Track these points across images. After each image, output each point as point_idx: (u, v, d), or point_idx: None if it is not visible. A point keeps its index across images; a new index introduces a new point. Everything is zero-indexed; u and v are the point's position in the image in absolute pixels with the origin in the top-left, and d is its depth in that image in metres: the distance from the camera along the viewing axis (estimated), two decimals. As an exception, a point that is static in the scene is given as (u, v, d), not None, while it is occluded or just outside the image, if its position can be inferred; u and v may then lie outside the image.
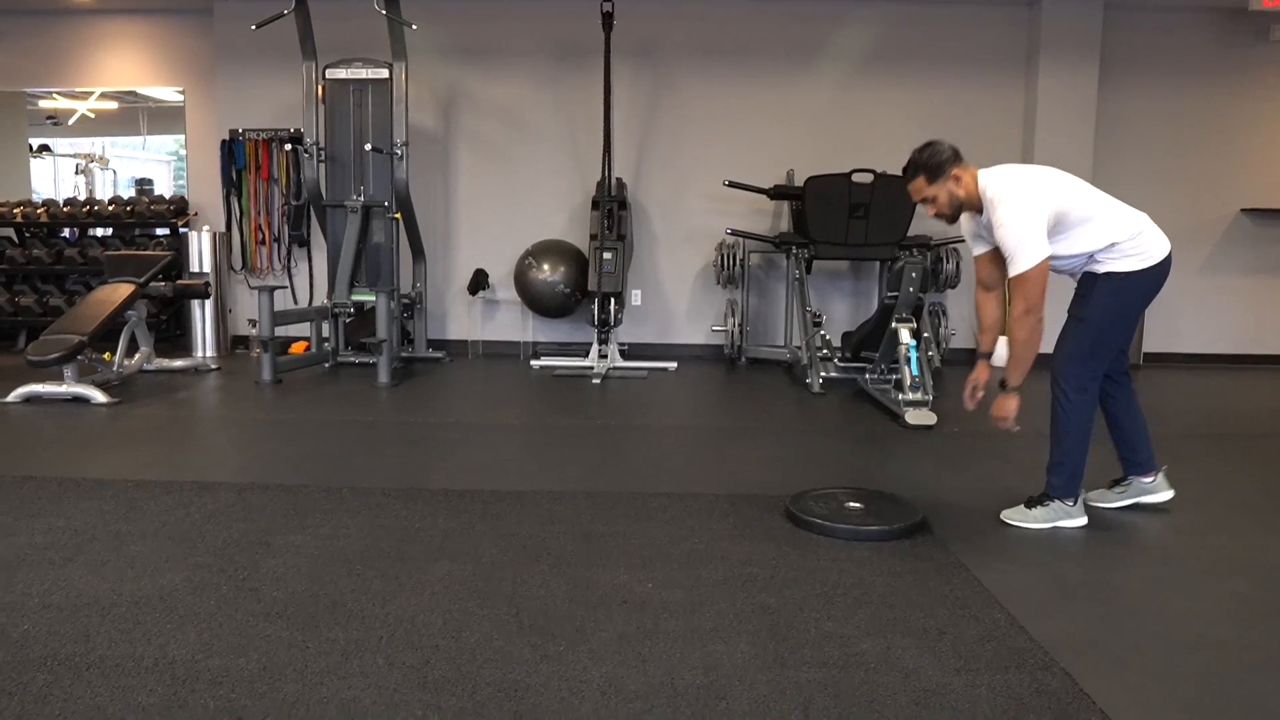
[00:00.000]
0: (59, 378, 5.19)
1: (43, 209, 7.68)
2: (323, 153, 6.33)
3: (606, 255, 6.11)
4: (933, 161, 2.92)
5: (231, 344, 7.20)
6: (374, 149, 6.09)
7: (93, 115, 8.34)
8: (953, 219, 3.05)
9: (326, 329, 6.35)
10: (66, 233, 7.92)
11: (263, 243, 7.30)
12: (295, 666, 2.05)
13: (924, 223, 6.30)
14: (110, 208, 7.60)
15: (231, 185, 7.27)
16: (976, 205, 2.95)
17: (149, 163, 9.33)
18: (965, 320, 6.88)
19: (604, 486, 3.54)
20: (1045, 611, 2.42)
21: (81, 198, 8.19)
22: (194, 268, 6.87)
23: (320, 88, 6.34)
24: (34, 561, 2.71)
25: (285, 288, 7.18)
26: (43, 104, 8.23)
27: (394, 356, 5.82)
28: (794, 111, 6.90)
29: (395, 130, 6.16)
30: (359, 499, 3.34)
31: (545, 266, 6.52)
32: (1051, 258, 2.86)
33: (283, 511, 3.19)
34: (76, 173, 10.43)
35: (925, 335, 5.36)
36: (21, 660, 2.09)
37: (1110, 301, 2.93)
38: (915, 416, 4.56)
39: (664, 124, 6.96)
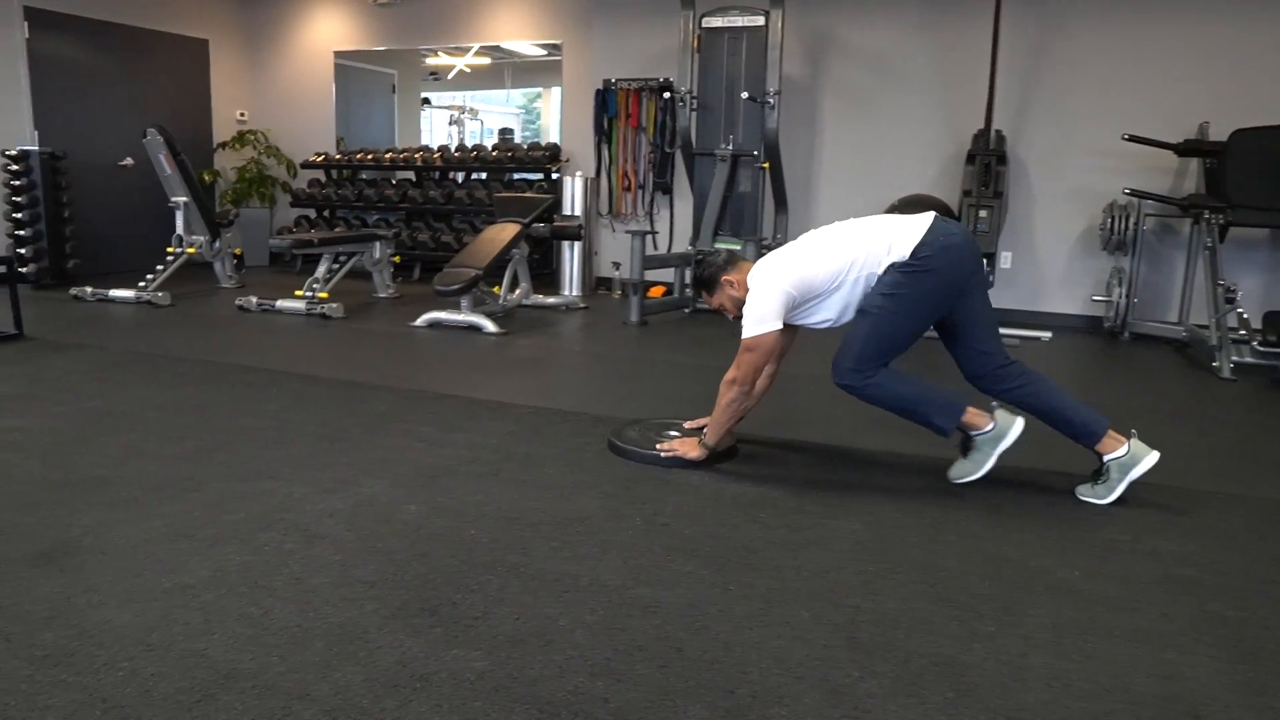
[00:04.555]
0: (456, 307, 5.73)
1: (438, 154, 8.50)
2: (695, 101, 6.43)
3: (981, 213, 5.74)
4: (705, 275, 3.13)
5: (595, 284, 7.61)
6: (749, 97, 6.09)
7: (468, 70, 9.10)
8: None
9: (687, 275, 6.51)
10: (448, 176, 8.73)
11: (628, 189, 7.61)
12: (720, 607, 2.08)
13: (1380, 187, 5.32)
14: (494, 153, 8.26)
15: (602, 133, 7.62)
16: None
17: (505, 115, 10.07)
18: None
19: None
20: None
21: (453, 145, 8.98)
22: (567, 211, 7.30)
23: (696, 36, 6.43)
24: (463, 473, 2.98)
25: (651, 233, 7.45)
26: (429, 61, 9.08)
27: (752, 306, 5.84)
28: (1212, 54, 6.02)
29: (768, 78, 6.13)
30: (744, 445, 3.36)
31: (910, 222, 6.24)
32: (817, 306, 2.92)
33: (673, 450, 3.29)
34: (450, 123, 11.51)
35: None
36: (473, 562, 2.29)
37: (888, 295, 2.81)
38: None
39: (1050, 71, 6.37)
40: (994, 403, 2.93)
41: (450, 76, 9.34)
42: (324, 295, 6.22)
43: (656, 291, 6.90)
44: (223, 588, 2.12)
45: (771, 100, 6.09)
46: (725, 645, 1.91)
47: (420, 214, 8.46)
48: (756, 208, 6.32)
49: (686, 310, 6.45)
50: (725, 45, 6.39)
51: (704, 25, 6.41)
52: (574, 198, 7.28)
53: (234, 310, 6.27)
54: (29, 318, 5.36)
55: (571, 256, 7.26)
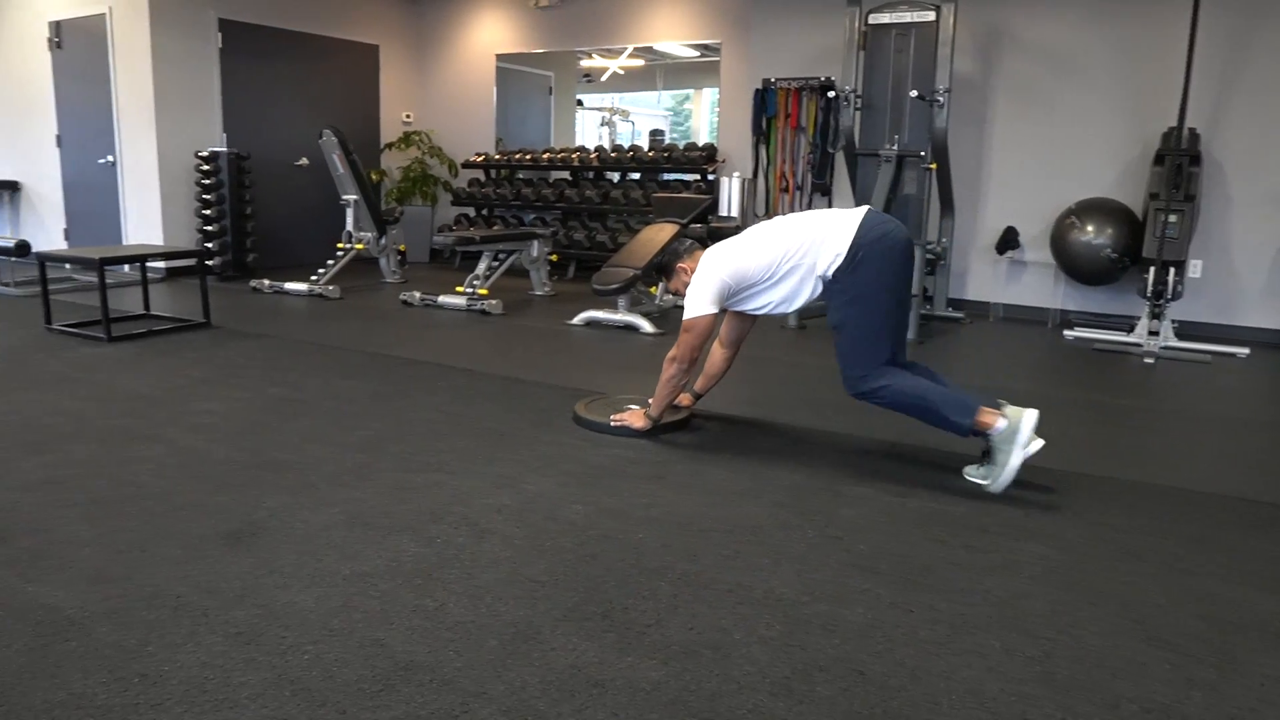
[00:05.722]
0: (613, 306, 5.75)
1: (594, 154, 8.58)
2: (859, 100, 6.25)
3: (1171, 219, 5.34)
4: (664, 263, 3.46)
5: (747, 287, 7.50)
6: (918, 96, 5.87)
7: (621, 72, 9.13)
8: None
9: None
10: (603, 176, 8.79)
11: (786, 190, 7.48)
12: (903, 630, 1.97)
13: None
14: (650, 154, 8.26)
15: (760, 133, 7.51)
16: None
17: (654, 117, 10.08)
18: None
19: (1191, 483, 3.05)
20: None
21: (606, 146, 9.03)
22: (723, 212, 7.23)
23: (861, 33, 6.24)
24: (629, 474, 2.95)
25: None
26: (583, 63, 9.17)
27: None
28: None
29: (938, 76, 5.88)
30: (910, 458, 3.21)
31: (1090, 227, 5.87)
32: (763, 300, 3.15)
33: (839, 460, 3.18)
34: (601, 124, 11.62)
35: None
36: (642, 568, 2.25)
37: (849, 301, 2.94)
38: None
39: (1254, 61, 5.86)
40: (999, 401, 2.91)
41: (604, 79, 9.42)
42: (484, 292, 6.36)
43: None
44: (398, 578, 2.15)
45: (941, 99, 5.84)
46: (911, 672, 1.80)
47: (575, 213, 8.55)
48: (921, 210, 6.07)
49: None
50: (892, 42, 6.17)
51: (870, 22, 6.21)
52: (731, 198, 7.19)
53: (398, 305, 6.48)
54: (215, 307, 5.69)
55: (726, 258, 7.16)
